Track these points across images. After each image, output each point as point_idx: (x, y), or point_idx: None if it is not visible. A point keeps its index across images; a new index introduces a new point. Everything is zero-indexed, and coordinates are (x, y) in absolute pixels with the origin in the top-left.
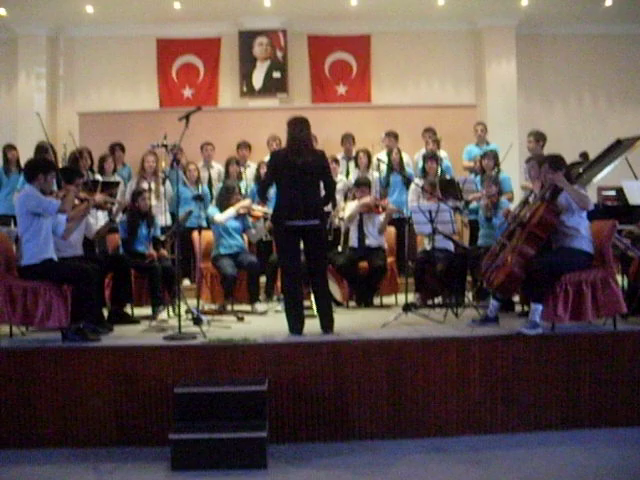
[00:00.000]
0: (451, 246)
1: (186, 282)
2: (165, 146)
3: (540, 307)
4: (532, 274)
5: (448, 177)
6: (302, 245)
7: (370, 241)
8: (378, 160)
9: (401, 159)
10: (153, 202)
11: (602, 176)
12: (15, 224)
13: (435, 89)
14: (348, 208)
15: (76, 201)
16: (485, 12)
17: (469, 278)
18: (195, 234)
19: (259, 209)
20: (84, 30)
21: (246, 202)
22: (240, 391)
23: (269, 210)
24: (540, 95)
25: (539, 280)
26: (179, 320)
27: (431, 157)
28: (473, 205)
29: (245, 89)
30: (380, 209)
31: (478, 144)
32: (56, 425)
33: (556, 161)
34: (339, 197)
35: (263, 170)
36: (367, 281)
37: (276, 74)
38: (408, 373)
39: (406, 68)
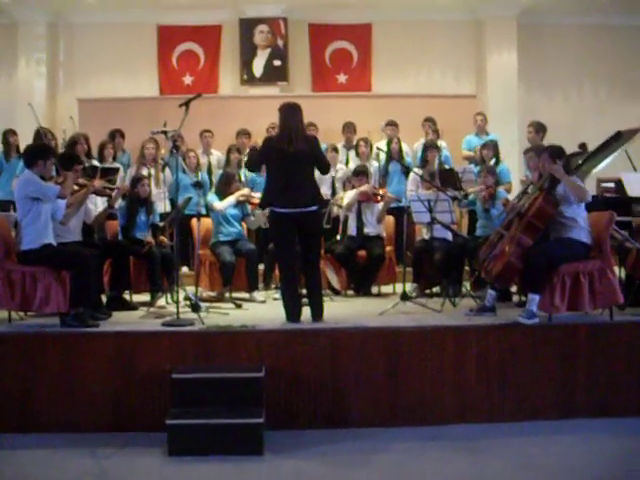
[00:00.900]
0: (449, 236)
1: (185, 269)
2: (165, 133)
3: (537, 297)
4: (530, 264)
5: (447, 167)
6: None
7: (369, 230)
8: (377, 149)
9: (400, 148)
10: (153, 189)
11: (601, 168)
12: (15, 209)
13: (435, 79)
14: (346, 196)
15: (75, 187)
16: (486, 2)
17: (467, 268)
18: (194, 221)
19: (258, 197)
20: (84, 16)
21: (245, 190)
22: (237, 377)
23: None
24: (540, 86)
25: (537, 270)
26: (177, 306)
27: (431, 146)
28: (471, 196)
29: (245, 77)
30: (379, 198)
31: (478, 134)
32: (54, 410)
33: (555, 152)
34: (339, 186)
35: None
36: (365, 270)
37: (276, 62)
38: (405, 362)
39: (407, 57)
